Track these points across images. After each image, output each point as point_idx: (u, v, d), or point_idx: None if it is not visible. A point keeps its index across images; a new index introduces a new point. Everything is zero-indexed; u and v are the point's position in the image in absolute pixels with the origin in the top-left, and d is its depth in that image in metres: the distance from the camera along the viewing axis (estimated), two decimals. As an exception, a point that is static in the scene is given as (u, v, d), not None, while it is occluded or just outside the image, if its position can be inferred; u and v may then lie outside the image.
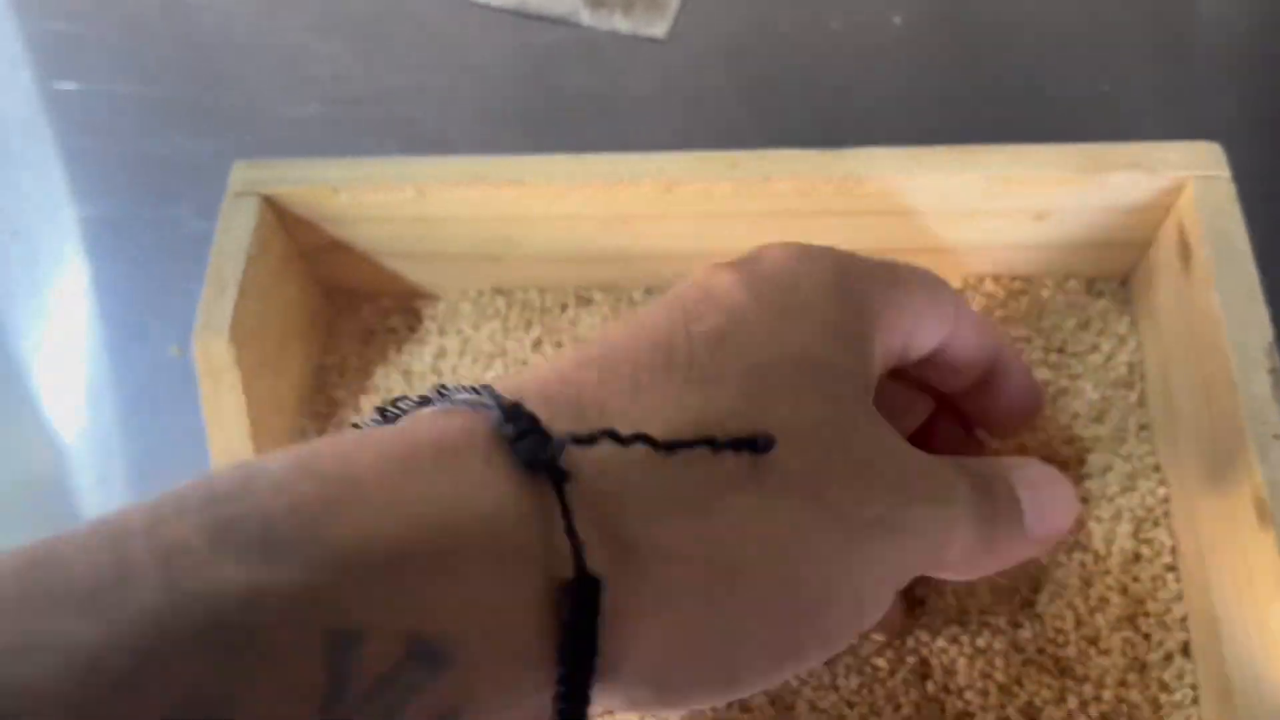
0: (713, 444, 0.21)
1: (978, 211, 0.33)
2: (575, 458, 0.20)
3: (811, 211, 0.33)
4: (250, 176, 0.34)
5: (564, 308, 0.37)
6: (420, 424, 0.21)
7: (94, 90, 0.48)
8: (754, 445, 0.21)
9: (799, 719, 0.31)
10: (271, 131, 0.46)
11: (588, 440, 0.20)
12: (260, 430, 0.32)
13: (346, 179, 0.33)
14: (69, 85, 0.48)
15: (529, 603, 0.19)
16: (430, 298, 0.38)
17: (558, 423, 0.20)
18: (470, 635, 0.18)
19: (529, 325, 0.37)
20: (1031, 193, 0.32)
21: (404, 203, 0.33)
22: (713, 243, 0.35)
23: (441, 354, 0.36)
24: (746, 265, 0.25)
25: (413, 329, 0.38)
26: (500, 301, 0.37)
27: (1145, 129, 0.32)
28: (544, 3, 0.47)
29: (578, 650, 0.19)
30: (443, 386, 0.22)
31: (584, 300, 0.37)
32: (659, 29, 0.46)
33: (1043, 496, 0.27)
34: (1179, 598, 0.31)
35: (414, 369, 0.36)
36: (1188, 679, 0.31)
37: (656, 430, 0.20)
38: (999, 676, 0.31)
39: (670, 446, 0.20)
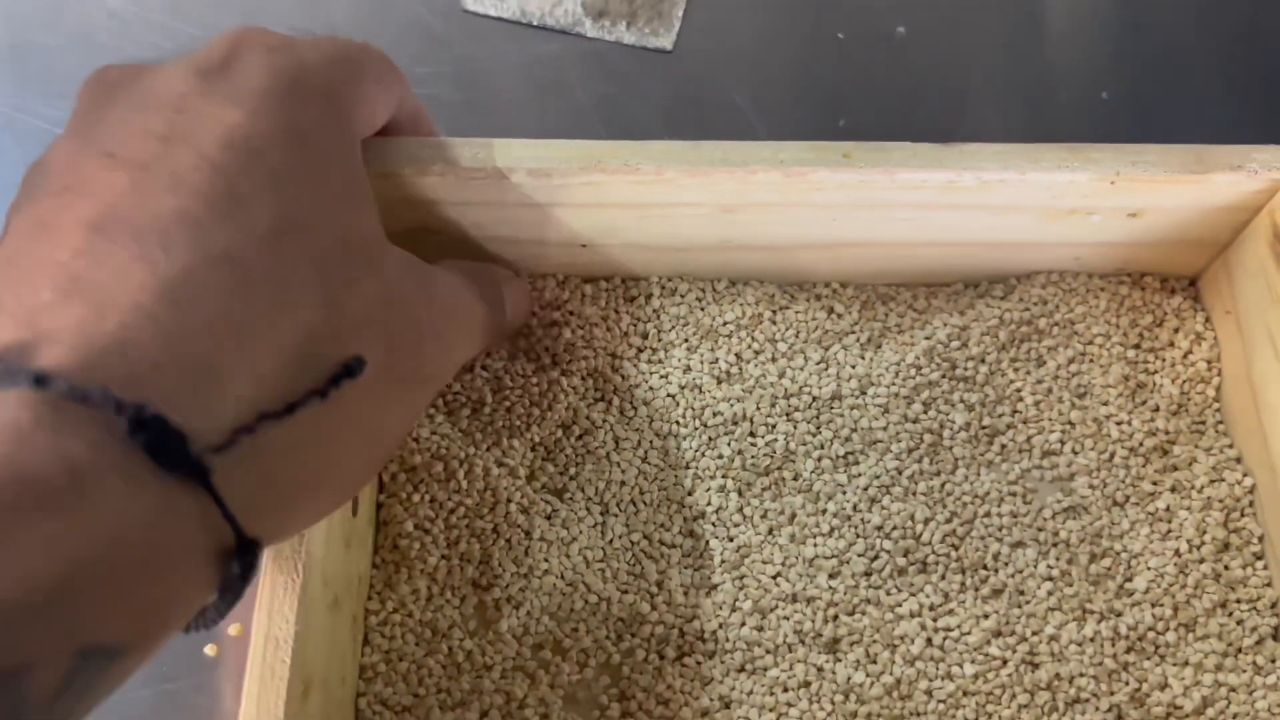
0: (322, 394, 0.23)
1: (1079, 209, 0.33)
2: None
3: (914, 204, 0.33)
4: (343, 155, 0.32)
5: (649, 296, 0.37)
6: (37, 449, 0.18)
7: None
8: (350, 372, 0.23)
9: (918, 708, 0.31)
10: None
11: (228, 445, 0.21)
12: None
13: (447, 159, 0.32)
14: None
15: (194, 579, 0.21)
16: (504, 286, 0.37)
17: (177, 402, 0.20)
18: (140, 629, 0.20)
19: (618, 314, 0.36)
20: (1137, 191, 0.32)
21: (509, 187, 0.32)
22: (810, 232, 0.35)
23: (528, 343, 0.35)
24: (225, 88, 0.24)
25: (488, 317, 0.36)
26: (588, 288, 0.36)
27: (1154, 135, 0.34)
28: (546, 13, 0.46)
29: (237, 593, 0.22)
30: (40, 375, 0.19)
31: (668, 290, 0.37)
32: (665, 40, 0.45)
33: (515, 295, 0.34)
34: (1269, 584, 0.33)
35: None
36: (1280, 662, 0.32)
37: (267, 369, 0.22)
38: (1109, 664, 0.31)
39: (291, 409, 0.22)
